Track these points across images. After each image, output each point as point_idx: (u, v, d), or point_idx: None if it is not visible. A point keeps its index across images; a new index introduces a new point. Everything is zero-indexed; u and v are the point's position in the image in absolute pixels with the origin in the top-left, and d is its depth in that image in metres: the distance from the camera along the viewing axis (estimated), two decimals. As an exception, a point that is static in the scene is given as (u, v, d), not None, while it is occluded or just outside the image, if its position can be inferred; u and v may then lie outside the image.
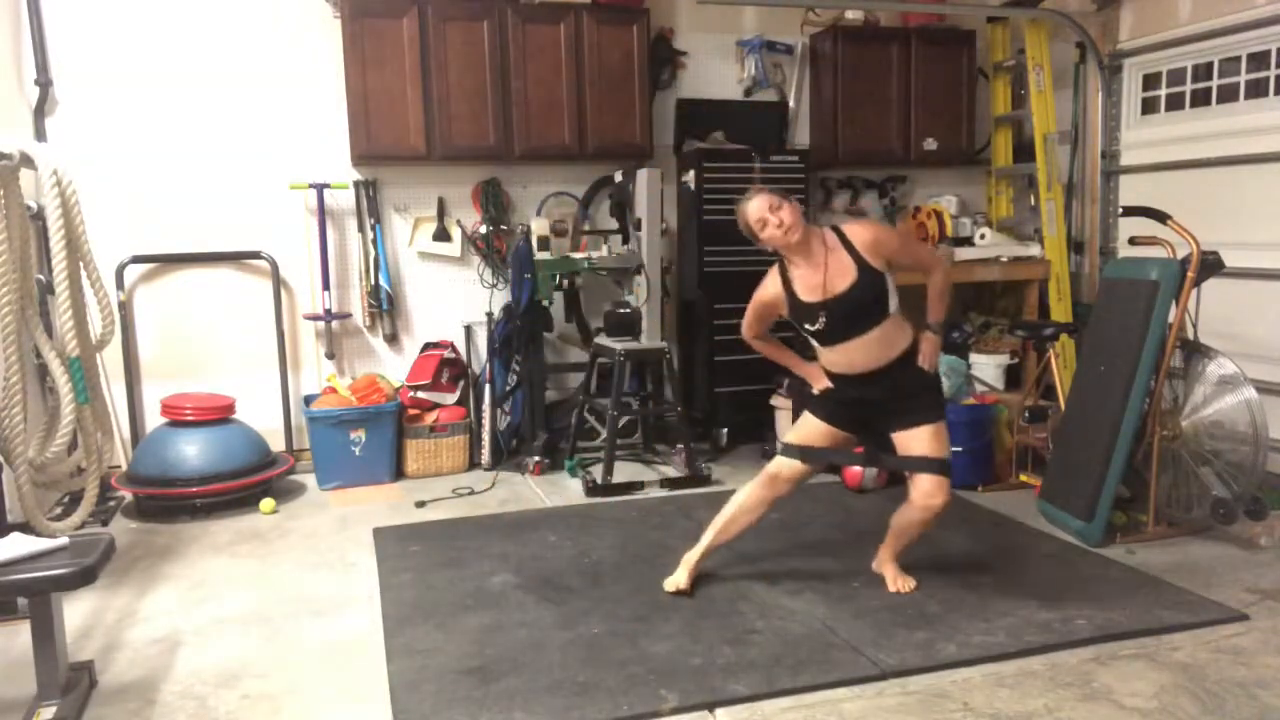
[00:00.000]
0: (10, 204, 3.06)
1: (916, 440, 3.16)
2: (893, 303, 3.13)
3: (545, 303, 5.07)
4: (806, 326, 3.20)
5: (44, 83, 4.68)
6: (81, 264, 3.35)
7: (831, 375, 3.28)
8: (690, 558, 3.38)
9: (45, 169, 3.15)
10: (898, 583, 3.36)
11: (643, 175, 4.78)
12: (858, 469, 4.46)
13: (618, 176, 5.15)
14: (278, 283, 5.07)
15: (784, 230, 3.13)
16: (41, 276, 3.84)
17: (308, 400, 5.04)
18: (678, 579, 3.34)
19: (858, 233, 3.17)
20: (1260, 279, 4.76)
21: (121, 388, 4.89)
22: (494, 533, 4.06)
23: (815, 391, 3.36)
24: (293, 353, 5.18)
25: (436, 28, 4.91)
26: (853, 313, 3.11)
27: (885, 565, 3.42)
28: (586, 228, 5.47)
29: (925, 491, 3.15)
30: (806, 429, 3.32)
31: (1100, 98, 5.85)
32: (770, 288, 3.27)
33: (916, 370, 3.20)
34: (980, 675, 2.74)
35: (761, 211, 3.15)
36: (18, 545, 2.58)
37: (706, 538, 3.38)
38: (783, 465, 3.28)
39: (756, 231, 3.19)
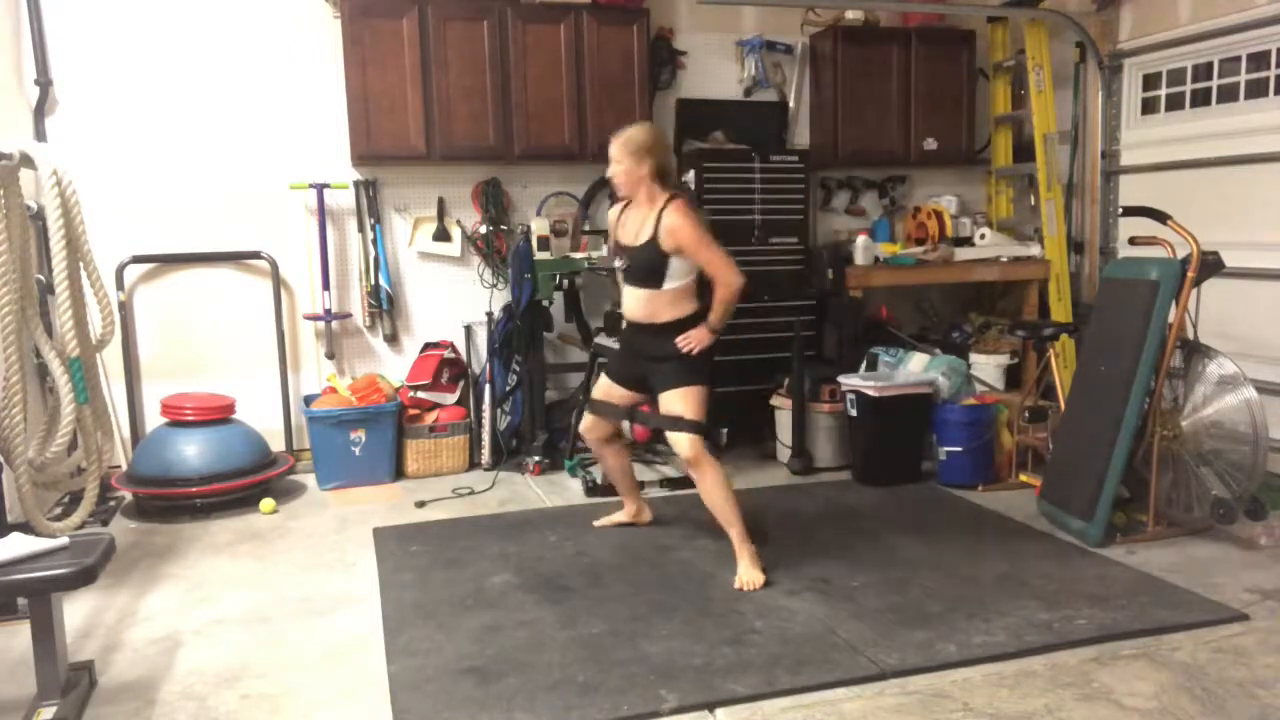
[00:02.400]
0: (10, 204, 3.06)
1: (666, 401, 3.57)
2: (671, 282, 3.51)
3: (545, 303, 5.07)
4: (615, 261, 3.72)
5: (44, 83, 4.68)
6: (81, 264, 3.35)
7: (698, 319, 3.57)
8: (747, 549, 3.50)
9: (45, 169, 3.15)
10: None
11: (643, 175, 4.78)
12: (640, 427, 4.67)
13: (618, 176, 5.14)
14: (278, 283, 5.07)
15: (616, 178, 3.61)
16: (41, 276, 3.84)
17: (308, 400, 5.04)
18: (755, 578, 3.41)
19: (668, 215, 3.48)
20: (1260, 279, 4.76)
21: (121, 388, 4.88)
22: (494, 533, 4.06)
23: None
24: (293, 353, 5.18)
25: (436, 28, 4.91)
26: (634, 268, 3.57)
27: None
28: (586, 228, 5.47)
29: (672, 442, 3.59)
30: (601, 386, 3.86)
31: (1100, 98, 5.85)
32: (611, 215, 3.80)
33: (672, 343, 3.52)
34: (980, 675, 2.74)
35: (612, 151, 3.60)
36: (18, 545, 2.58)
37: (736, 522, 3.53)
38: (585, 421, 3.82)
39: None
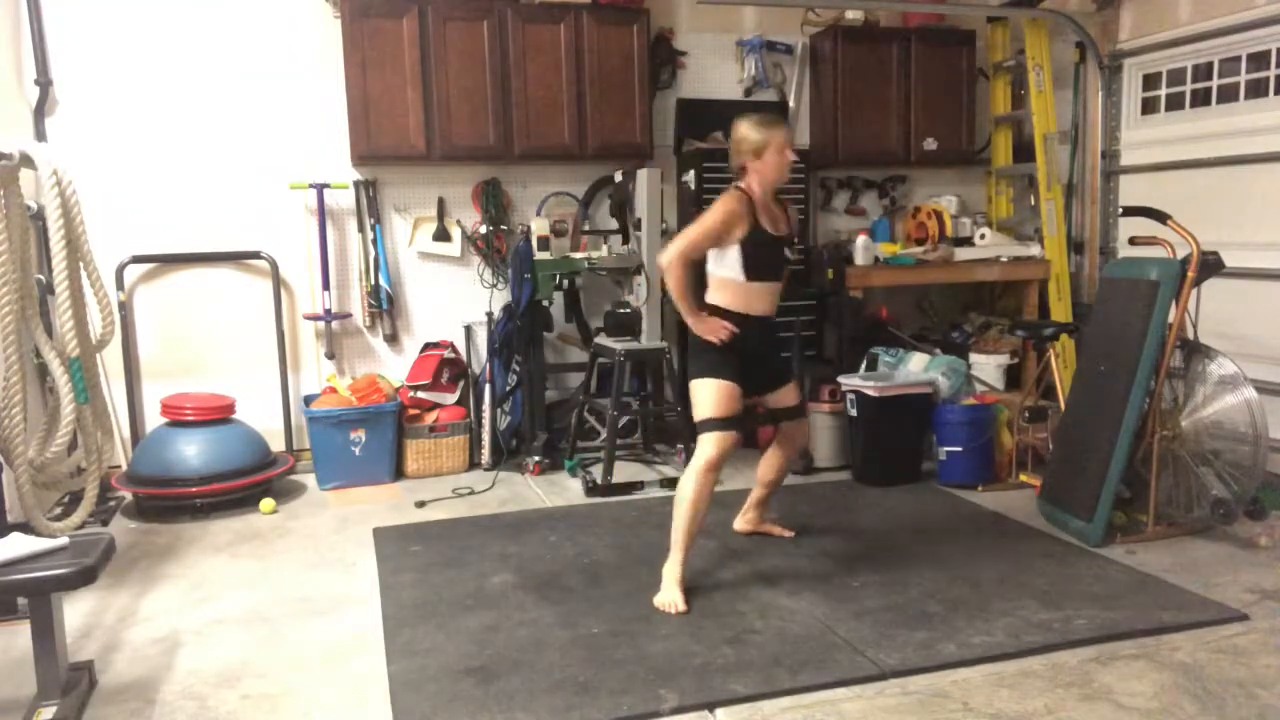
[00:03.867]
0: (10, 204, 3.06)
1: (787, 394, 3.61)
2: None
3: (545, 303, 5.07)
4: (747, 258, 3.36)
5: (44, 83, 4.68)
6: (81, 264, 3.36)
7: (731, 317, 3.40)
8: (673, 573, 3.28)
9: (45, 169, 3.15)
10: (775, 529, 3.84)
11: (643, 175, 4.78)
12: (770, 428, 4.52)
13: (618, 176, 5.15)
14: (278, 283, 5.07)
15: (782, 163, 3.39)
16: (41, 276, 3.84)
17: (308, 400, 5.04)
18: (674, 599, 3.20)
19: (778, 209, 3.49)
20: (1260, 279, 4.76)
21: (121, 388, 4.88)
22: (494, 533, 4.06)
23: (717, 342, 3.36)
24: (293, 353, 5.18)
25: (436, 28, 4.91)
26: (775, 261, 3.45)
27: (762, 522, 3.92)
28: (586, 228, 5.47)
29: (793, 435, 3.70)
30: (723, 396, 3.35)
31: (1100, 98, 5.85)
32: (736, 209, 3.34)
33: (777, 329, 3.60)
34: (980, 675, 2.74)
35: (787, 150, 3.38)
36: (18, 545, 2.58)
37: (679, 547, 3.29)
38: (722, 443, 3.29)
39: (777, 161, 3.36)
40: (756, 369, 3.49)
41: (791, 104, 5.80)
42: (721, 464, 3.30)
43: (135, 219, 4.87)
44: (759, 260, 3.37)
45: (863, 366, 5.17)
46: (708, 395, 3.36)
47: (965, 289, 6.05)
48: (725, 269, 3.40)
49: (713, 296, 3.45)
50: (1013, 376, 5.40)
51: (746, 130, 3.37)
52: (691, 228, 3.36)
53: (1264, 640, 2.93)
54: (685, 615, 3.17)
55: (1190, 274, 3.79)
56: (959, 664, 2.80)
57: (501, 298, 5.32)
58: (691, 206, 5.32)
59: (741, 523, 3.93)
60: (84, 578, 2.53)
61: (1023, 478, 4.55)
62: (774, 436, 3.84)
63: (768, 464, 3.81)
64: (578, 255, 5.10)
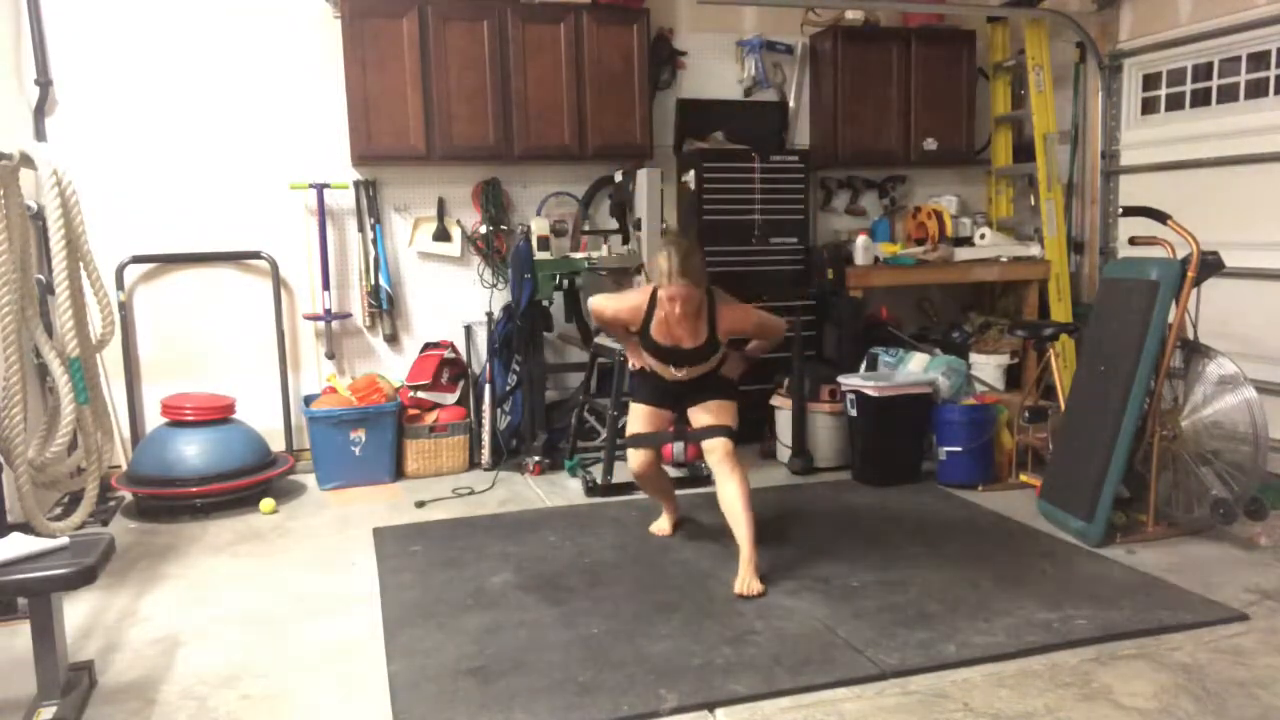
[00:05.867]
0: (10, 204, 3.06)
1: (700, 413, 3.69)
2: (718, 356, 3.68)
3: (545, 303, 5.07)
4: (646, 350, 3.67)
5: (44, 83, 4.68)
6: (81, 264, 3.36)
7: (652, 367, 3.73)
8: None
9: (45, 169, 3.16)
10: (745, 584, 3.38)
11: (643, 175, 4.78)
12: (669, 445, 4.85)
13: (618, 176, 5.15)
14: (278, 283, 5.07)
15: (680, 315, 3.48)
16: (41, 276, 3.85)
17: (308, 400, 5.04)
18: (663, 525, 3.94)
19: (725, 315, 3.60)
20: (1260, 279, 4.76)
21: (121, 388, 4.89)
22: (494, 533, 4.06)
23: (632, 369, 3.83)
24: (293, 353, 5.18)
25: (436, 28, 4.91)
26: (689, 360, 3.63)
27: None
28: (586, 228, 5.47)
29: (706, 448, 3.66)
30: (638, 417, 3.76)
31: (1100, 98, 5.85)
32: (635, 307, 3.63)
33: (718, 376, 3.74)
34: (980, 675, 2.74)
35: (672, 291, 3.42)
36: (18, 545, 2.58)
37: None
38: (635, 457, 3.75)
39: (665, 295, 3.45)
40: (682, 390, 3.73)
41: (791, 104, 5.81)
42: (643, 475, 3.80)
43: (135, 219, 4.87)
44: (654, 352, 3.66)
45: (863, 366, 5.17)
46: (630, 413, 3.80)
47: (965, 289, 6.05)
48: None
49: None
50: (1013, 376, 5.41)
51: (659, 256, 3.47)
52: (608, 301, 3.73)
53: (1264, 640, 2.92)
54: (682, 610, 3.17)
55: (1190, 274, 3.79)
56: (959, 664, 2.80)
57: (501, 298, 5.32)
58: (692, 206, 5.33)
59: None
60: (84, 578, 2.53)
61: (1023, 478, 4.55)
62: (673, 454, 4.58)
63: (720, 502, 3.62)
64: (578, 255, 5.10)
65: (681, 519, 4.08)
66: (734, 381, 3.80)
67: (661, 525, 4.01)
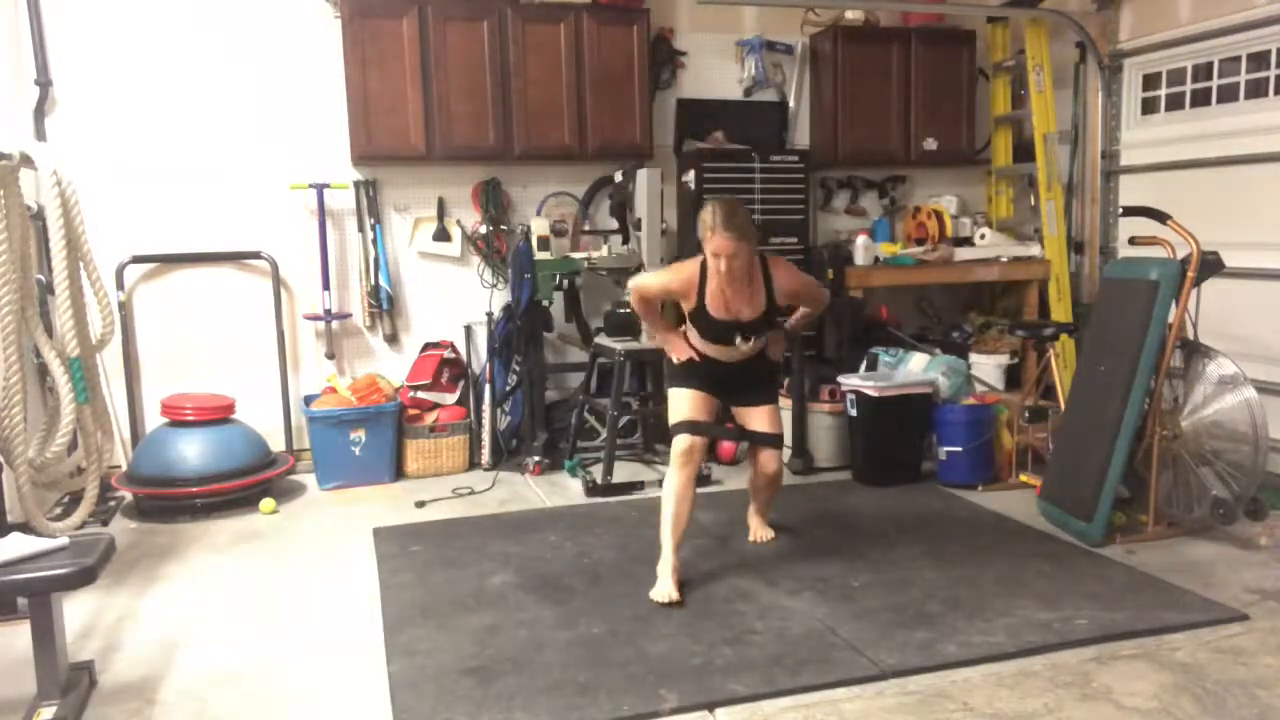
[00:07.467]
0: (10, 204, 3.06)
1: (758, 416, 3.59)
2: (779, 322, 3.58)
3: (545, 303, 5.07)
4: (697, 325, 3.47)
5: (44, 83, 4.68)
6: (81, 264, 3.36)
7: (698, 352, 3.55)
8: (666, 565, 3.33)
9: (45, 169, 3.16)
10: (758, 534, 3.83)
11: (643, 175, 4.78)
12: (729, 444, 4.93)
13: (618, 176, 5.15)
14: (278, 283, 5.06)
15: (727, 273, 3.30)
16: (41, 276, 3.84)
17: (308, 400, 5.04)
18: (669, 591, 3.25)
19: (781, 273, 3.46)
20: (1260, 279, 4.76)
21: (121, 388, 4.88)
22: (494, 533, 4.06)
23: (676, 361, 3.59)
24: (293, 353, 5.18)
25: (436, 28, 4.91)
26: (753, 331, 3.45)
27: (751, 518, 3.90)
28: (586, 228, 5.47)
29: (764, 463, 3.64)
30: (688, 403, 3.52)
31: (1100, 98, 5.85)
32: (687, 279, 3.43)
33: (766, 360, 3.61)
34: (980, 675, 2.74)
35: (717, 244, 3.24)
36: (18, 545, 2.58)
37: (667, 541, 3.36)
38: (683, 443, 3.42)
39: (710, 250, 3.28)
40: (730, 381, 3.58)
41: (791, 104, 5.81)
42: (688, 461, 3.41)
43: (135, 219, 4.87)
44: (710, 330, 3.46)
45: (863, 366, 5.17)
46: (674, 401, 3.56)
47: (965, 289, 6.05)
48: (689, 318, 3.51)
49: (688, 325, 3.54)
50: (1013, 376, 5.40)
51: (703, 212, 3.31)
52: (654, 277, 3.61)
53: (1264, 640, 2.93)
54: (682, 610, 3.17)
55: (1190, 274, 3.79)
56: (959, 664, 2.80)
57: (501, 298, 5.32)
58: (692, 206, 5.32)
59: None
60: (84, 578, 2.53)
61: (1023, 478, 4.55)
62: (735, 453, 4.37)
63: (750, 483, 3.83)
64: (578, 255, 5.11)
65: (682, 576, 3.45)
66: (778, 371, 3.74)
67: (666, 588, 3.27)
